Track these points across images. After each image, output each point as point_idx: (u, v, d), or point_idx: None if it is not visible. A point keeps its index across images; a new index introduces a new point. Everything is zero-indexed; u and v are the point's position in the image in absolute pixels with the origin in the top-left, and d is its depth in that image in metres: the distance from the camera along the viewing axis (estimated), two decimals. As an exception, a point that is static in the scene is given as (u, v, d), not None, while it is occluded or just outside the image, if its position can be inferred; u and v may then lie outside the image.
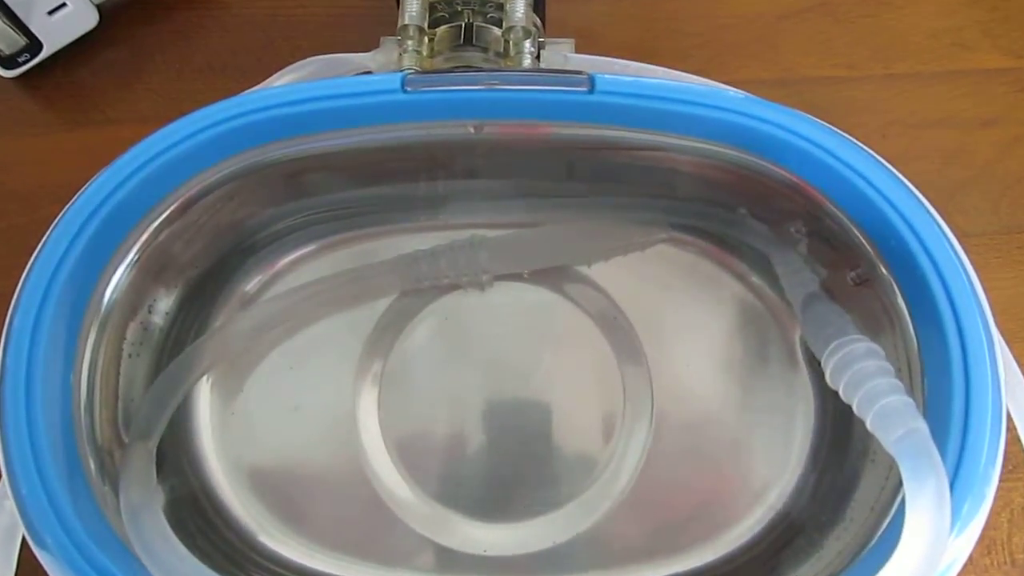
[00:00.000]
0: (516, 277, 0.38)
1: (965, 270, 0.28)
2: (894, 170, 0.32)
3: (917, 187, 0.31)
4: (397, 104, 0.30)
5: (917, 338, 0.30)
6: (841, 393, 0.29)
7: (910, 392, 0.28)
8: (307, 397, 0.36)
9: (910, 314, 0.30)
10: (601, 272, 0.38)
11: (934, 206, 0.31)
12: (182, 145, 0.29)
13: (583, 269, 0.38)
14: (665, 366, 0.37)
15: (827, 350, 0.30)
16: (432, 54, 0.38)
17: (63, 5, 0.43)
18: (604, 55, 0.38)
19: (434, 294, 0.37)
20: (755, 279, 0.37)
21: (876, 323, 0.31)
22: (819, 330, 0.31)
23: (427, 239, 0.37)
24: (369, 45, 0.39)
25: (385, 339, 0.37)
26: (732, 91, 0.31)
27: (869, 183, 0.30)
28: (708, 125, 0.30)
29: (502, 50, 0.38)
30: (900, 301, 0.31)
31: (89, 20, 0.45)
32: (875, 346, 0.29)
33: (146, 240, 0.31)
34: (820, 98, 0.46)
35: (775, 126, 0.30)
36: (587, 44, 0.41)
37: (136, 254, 0.31)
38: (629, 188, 0.36)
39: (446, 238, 0.37)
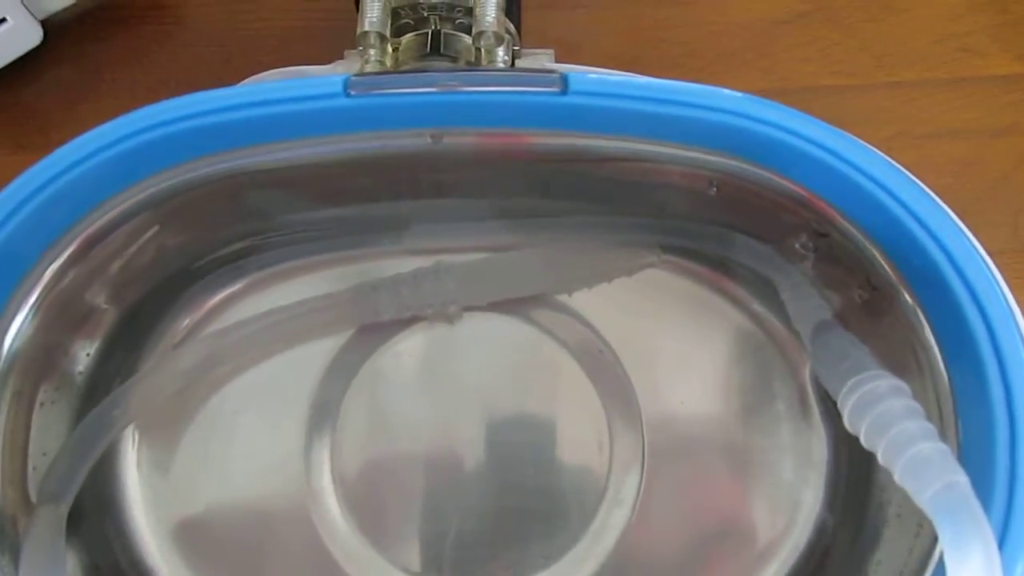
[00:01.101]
0: (488, 308, 0.34)
1: (1003, 293, 0.24)
2: (915, 178, 0.28)
3: None
4: (340, 111, 0.26)
5: (948, 373, 0.26)
6: (862, 439, 0.25)
7: (943, 437, 0.24)
8: (252, 448, 0.33)
9: (939, 345, 0.26)
10: (583, 301, 0.34)
11: None
12: (81, 167, 0.25)
13: (563, 298, 0.34)
14: (656, 407, 0.33)
15: (844, 388, 0.26)
16: (397, 65, 0.35)
17: (3, 20, 0.40)
18: (586, 66, 0.35)
19: (396, 328, 0.33)
20: (758, 307, 0.33)
21: (899, 357, 0.27)
22: (833, 365, 0.27)
23: (388, 266, 0.34)
24: (334, 59, 0.36)
25: (341, 380, 0.33)
26: (728, 91, 0.27)
27: (889, 192, 0.27)
28: (702, 129, 0.27)
29: (474, 59, 0.35)
30: (927, 330, 0.27)
31: (32, 37, 0.42)
32: (900, 382, 0.25)
33: (51, 280, 0.27)
34: (820, 109, 0.41)
35: (778, 128, 0.26)
36: (568, 55, 0.38)
37: (39, 297, 0.27)
38: (614, 206, 0.33)
39: (409, 265, 0.33)
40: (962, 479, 0.23)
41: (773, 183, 0.28)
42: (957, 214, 0.43)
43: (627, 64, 0.34)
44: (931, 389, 0.26)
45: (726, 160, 0.28)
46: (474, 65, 0.34)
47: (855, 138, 0.27)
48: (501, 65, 0.35)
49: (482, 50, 0.35)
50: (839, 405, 0.26)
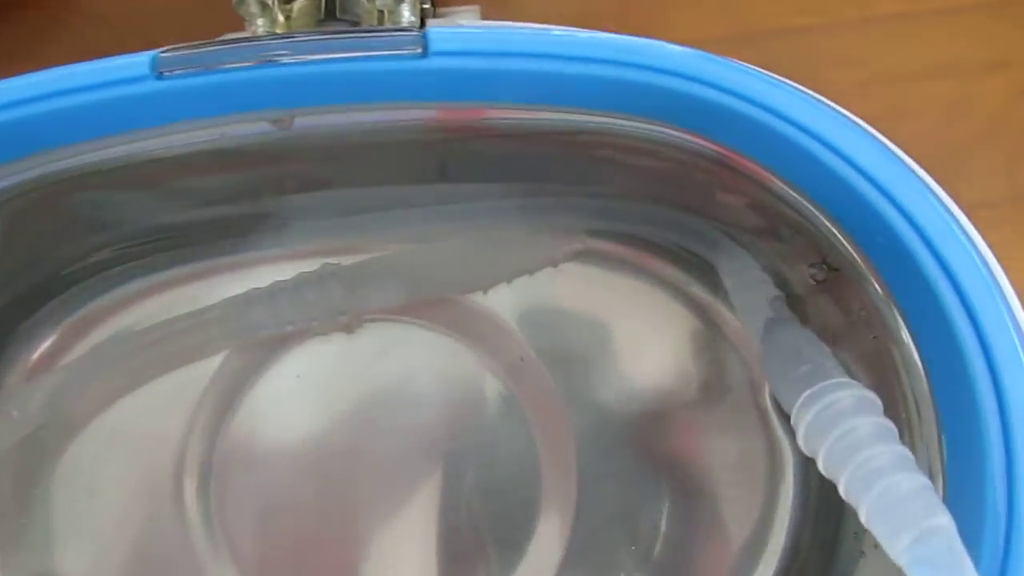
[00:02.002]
0: (391, 315, 0.29)
1: (992, 277, 0.19)
2: (873, 132, 0.23)
3: (910, 153, 0.23)
4: (150, 97, 0.21)
5: (929, 379, 0.21)
6: (821, 465, 0.20)
7: (923, 465, 0.19)
8: (116, 497, 0.28)
9: (916, 343, 0.21)
10: (499, 300, 0.29)
11: (934, 176, 0.23)
12: None
13: (477, 297, 0.29)
14: (590, 420, 0.28)
15: (799, 400, 0.21)
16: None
17: None
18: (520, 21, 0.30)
19: (279, 347, 0.28)
20: (703, 295, 0.28)
21: (868, 359, 0.22)
22: (786, 371, 0.22)
23: (264, 274, 0.28)
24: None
25: (216, 413, 0.28)
26: (641, 40, 0.22)
27: (838, 153, 0.21)
28: (610, 92, 0.21)
29: (376, 22, 0.31)
30: (900, 325, 0.21)
31: None
32: (868, 393, 0.20)
33: None
34: (786, 53, 0.39)
35: (698, 83, 0.20)
36: (499, 11, 0.35)
37: None
38: (527, 186, 0.27)
39: (290, 271, 0.28)
40: (945, 522, 0.18)
41: (701, 149, 0.22)
42: (946, 164, 0.40)
43: (572, 20, 0.30)
44: (909, 400, 0.21)
45: (646, 126, 0.23)
46: (398, 27, 0.30)
47: (795, 87, 0.21)
48: (405, 25, 0.30)
49: (384, 11, 0.30)
50: (793, 421, 0.21)
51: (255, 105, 0.21)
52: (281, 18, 0.32)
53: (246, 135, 0.23)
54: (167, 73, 0.21)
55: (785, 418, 0.25)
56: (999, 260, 0.22)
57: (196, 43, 0.21)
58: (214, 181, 0.26)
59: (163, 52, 0.21)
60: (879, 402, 0.20)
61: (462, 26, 0.32)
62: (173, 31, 0.40)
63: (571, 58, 0.20)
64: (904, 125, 0.40)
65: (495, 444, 0.29)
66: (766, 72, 0.23)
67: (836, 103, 0.23)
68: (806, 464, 0.26)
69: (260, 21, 0.31)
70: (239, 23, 0.32)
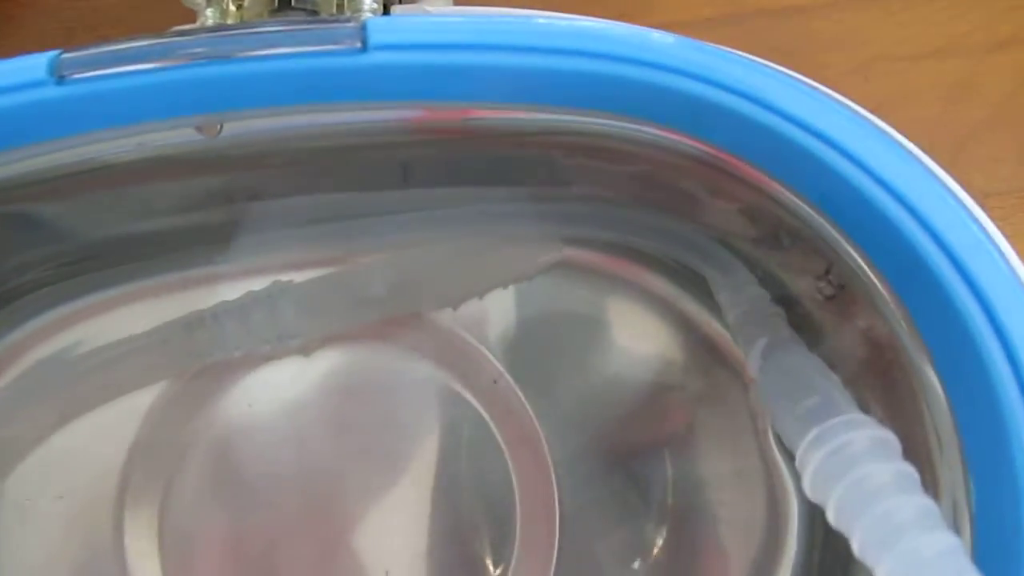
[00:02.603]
0: (354, 334, 0.26)
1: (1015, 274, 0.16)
2: (884, 126, 0.20)
3: (914, 140, 0.20)
4: (51, 104, 0.18)
5: (952, 409, 0.18)
6: (831, 516, 0.18)
7: (950, 519, 0.16)
8: (54, 530, 0.25)
9: (938, 371, 0.18)
10: (472, 316, 0.26)
11: (940, 164, 0.21)
12: None
13: (446, 315, 0.26)
14: (571, 447, 0.25)
15: (805, 440, 0.18)
16: (245, 25, 0.27)
17: None
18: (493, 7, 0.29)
19: (227, 373, 0.26)
20: (695, 310, 0.25)
21: (882, 390, 0.19)
22: (789, 403, 0.19)
23: (209, 294, 0.26)
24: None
25: (159, 451, 0.25)
26: (613, 28, 0.19)
27: (844, 153, 0.18)
28: (577, 87, 0.18)
29: (335, 9, 0.28)
30: (918, 348, 0.19)
31: None
32: (885, 433, 0.18)
33: None
34: (778, 35, 0.38)
35: (667, 71, 0.17)
36: None
37: None
38: (496, 191, 0.24)
39: (238, 290, 0.25)
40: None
41: (688, 149, 0.19)
42: (953, 151, 0.38)
43: (548, 4, 0.27)
44: (929, 435, 0.18)
45: (625, 125, 0.20)
46: (336, 17, 0.27)
47: (789, 76, 0.19)
48: (369, 15, 0.28)
49: None
50: (798, 463, 0.19)
51: (174, 111, 0.18)
52: (232, 8, 0.30)
53: (169, 144, 0.20)
54: (69, 76, 0.18)
55: (789, 455, 0.22)
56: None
57: (103, 42, 0.18)
58: (146, 193, 0.23)
59: (64, 53, 0.18)
60: (897, 442, 0.17)
61: (428, 13, 0.29)
62: (126, 25, 0.39)
63: (535, 50, 0.18)
64: (909, 110, 0.38)
65: (468, 474, 0.26)
66: (758, 60, 0.21)
67: (833, 88, 0.21)
68: (812, 511, 0.23)
69: (209, 12, 0.29)
70: (185, 16, 0.30)
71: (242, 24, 0.23)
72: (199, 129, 0.19)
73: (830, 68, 0.37)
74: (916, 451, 0.19)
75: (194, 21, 0.29)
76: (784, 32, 0.38)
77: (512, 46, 0.18)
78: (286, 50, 0.18)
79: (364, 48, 0.17)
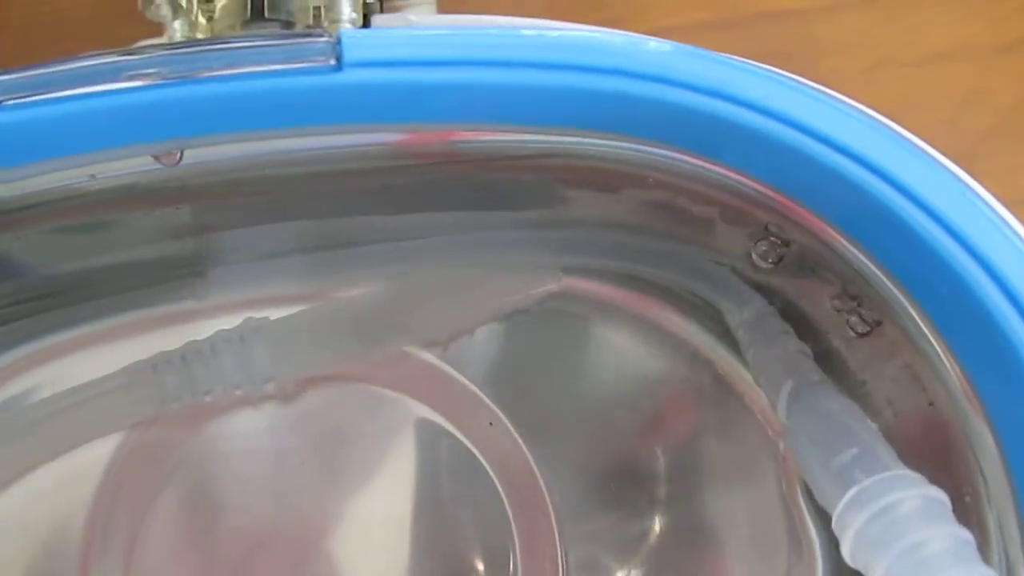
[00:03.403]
0: (331, 378, 0.24)
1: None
2: (915, 140, 0.19)
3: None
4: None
5: (1004, 457, 0.16)
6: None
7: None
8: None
9: (984, 413, 0.16)
10: (464, 354, 0.24)
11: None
12: None
13: (436, 353, 0.24)
14: (573, 495, 0.23)
15: (844, 500, 0.16)
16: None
17: None
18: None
19: (199, 419, 0.24)
20: (710, 345, 0.23)
21: (921, 433, 0.17)
22: (823, 454, 0.17)
23: (179, 333, 0.24)
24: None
25: (124, 503, 0.23)
26: (603, 37, 0.17)
27: (876, 171, 0.17)
28: (573, 105, 0.16)
29: (312, 20, 0.27)
30: (960, 390, 0.17)
31: None
32: (934, 491, 0.16)
33: None
34: (781, 39, 0.37)
35: (665, 84, 0.16)
36: (460, 3, 0.31)
37: None
38: (488, 217, 0.22)
39: (208, 328, 0.23)
40: None
41: (693, 170, 0.18)
42: (964, 159, 0.37)
43: (537, 11, 0.26)
44: (979, 488, 0.16)
45: (623, 145, 0.18)
46: (308, 31, 0.25)
47: (804, 85, 0.17)
48: (348, 25, 0.26)
49: (321, 8, 0.27)
50: (835, 525, 0.17)
51: (124, 139, 0.16)
52: (202, 20, 0.29)
53: (126, 174, 0.18)
54: (3, 103, 0.16)
55: (821, 513, 0.20)
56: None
57: (41, 63, 0.16)
58: (106, 225, 0.21)
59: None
60: (948, 502, 0.16)
61: (411, 23, 0.28)
62: (91, 38, 0.37)
63: (523, 65, 0.16)
64: (916, 117, 0.36)
65: (465, 523, 0.24)
66: (767, 67, 0.19)
67: (839, 95, 0.20)
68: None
69: (176, 25, 0.28)
70: (152, 26, 0.29)
71: (206, 40, 0.21)
72: (157, 158, 0.17)
73: (835, 73, 0.36)
74: (964, 510, 0.17)
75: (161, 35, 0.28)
76: (783, 36, 0.37)
77: (504, 61, 0.16)
78: (251, 69, 0.16)
79: (339, 65, 0.15)
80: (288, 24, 0.29)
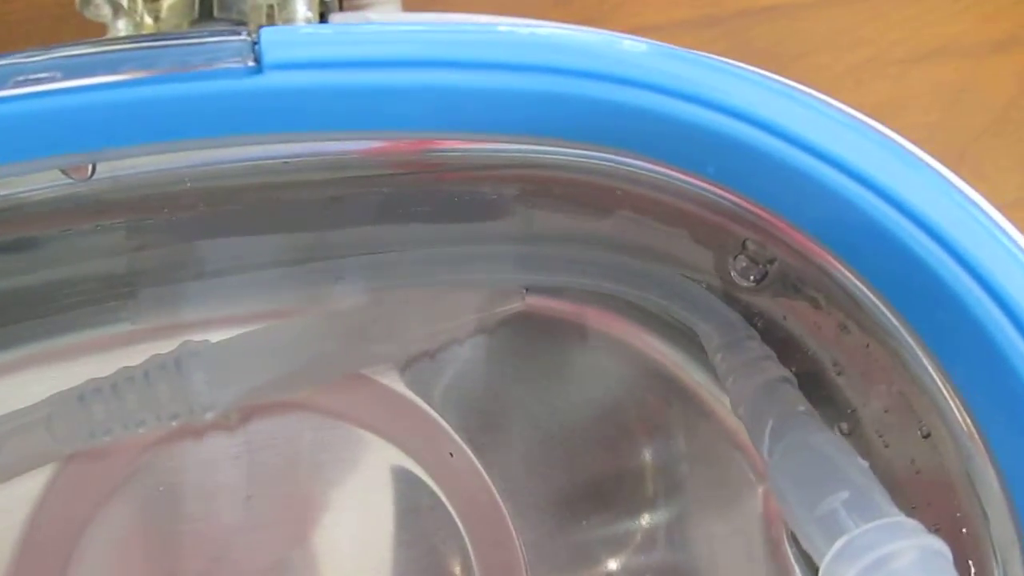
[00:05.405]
0: (277, 406, 0.22)
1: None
2: (907, 144, 0.17)
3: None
4: None
5: (1008, 492, 0.14)
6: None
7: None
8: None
9: (987, 448, 0.15)
10: (422, 378, 0.23)
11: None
12: None
13: (391, 377, 0.22)
14: (539, 530, 0.22)
15: (834, 549, 0.14)
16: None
17: None
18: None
19: (133, 453, 0.22)
20: (687, 370, 0.21)
21: (918, 467, 0.16)
22: (809, 496, 0.15)
23: (107, 359, 0.22)
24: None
25: (52, 544, 0.21)
26: (560, 33, 0.15)
27: (851, 174, 0.15)
28: (537, 111, 0.15)
29: (264, 21, 0.26)
30: (961, 422, 0.15)
31: None
32: (933, 540, 0.14)
33: None
34: (765, 36, 0.36)
35: (640, 88, 0.14)
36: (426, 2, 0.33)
37: None
38: (452, 231, 0.21)
39: (141, 353, 0.21)
40: None
41: (667, 182, 0.16)
42: (953, 160, 0.35)
43: (509, 9, 0.24)
44: (984, 539, 0.15)
45: (590, 154, 0.16)
46: (227, 28, 0.23)
47: (790, 88, 0.15)
48: (301, 23, 0.25)
49: (274, 6, 0.25)
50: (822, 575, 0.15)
51: (26, 152, 0.14)
52: (148, 20, 0.27)
53: (35, 190, 0.16)
54: None
55: (810, 560, 0.18)
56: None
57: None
58: (27, 243, 0.19)
59: None
60: (947, 552, 0.14)
61: (371, 21, 0.26)
62: (45, 36, 0.36)
63: (474, 66, 0.14)
64: (905, 117, 0.35)
65: (424, 558, 0.22)
66: (750, 69, 0.17)
67: (827, 95, 0.18)
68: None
69: (120, 24, 0.27)
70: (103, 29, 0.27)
71: (111, 40, 0.19)
72: (66, 172, 0.15)
73: (821, 71, 0.35)
74: (962, 546, 0.16)
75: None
76: (768, 33, 0.36)
77: (450, 62, 0.14)
78: (160, 72, 0.14)
79: (259, 67, 0.13)
80: (239, 24, 0.28)
